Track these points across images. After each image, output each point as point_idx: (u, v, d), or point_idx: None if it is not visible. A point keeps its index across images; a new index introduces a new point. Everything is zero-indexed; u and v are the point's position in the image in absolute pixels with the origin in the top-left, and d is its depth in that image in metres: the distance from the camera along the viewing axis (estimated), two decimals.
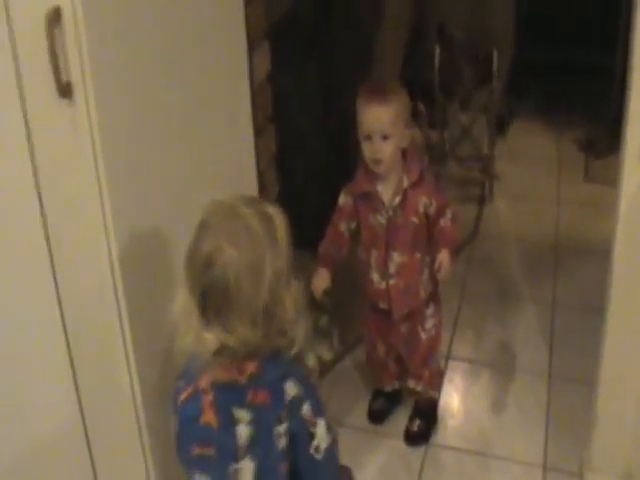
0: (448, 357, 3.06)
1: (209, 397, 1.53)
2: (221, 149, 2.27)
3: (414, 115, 2.47)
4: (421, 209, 2.44)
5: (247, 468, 1.55)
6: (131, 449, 1.97)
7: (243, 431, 1.53)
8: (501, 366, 3.05)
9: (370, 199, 2.45)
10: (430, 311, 2.61)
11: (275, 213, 1.54)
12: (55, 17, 1.53)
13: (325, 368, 2.92)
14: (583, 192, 4.09)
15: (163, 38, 1.89)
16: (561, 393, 2.88)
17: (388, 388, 2.85)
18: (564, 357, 3.04)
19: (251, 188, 2.50)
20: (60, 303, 1.79)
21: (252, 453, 1.54)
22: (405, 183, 2.41)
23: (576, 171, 4.27)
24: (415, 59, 4.09)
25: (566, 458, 2.61)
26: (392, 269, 2.49)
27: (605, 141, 4.18)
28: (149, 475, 2.00)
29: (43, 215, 1.69)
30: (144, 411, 1.92)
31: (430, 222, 2.45)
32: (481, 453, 2.70)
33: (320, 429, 1.59)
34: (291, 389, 1.55)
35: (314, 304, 2.48)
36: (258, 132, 2.49)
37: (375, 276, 2.54)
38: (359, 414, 2.84)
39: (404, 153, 2.42)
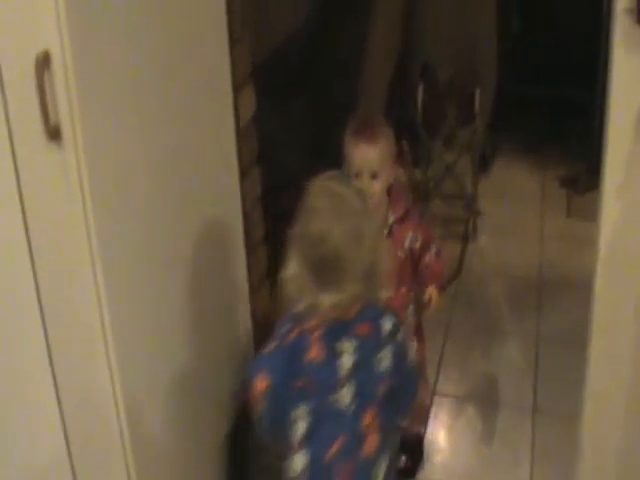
0: (434, 392, 3.07)
1: (318, 333, 1.80)
2: (206, 191, 2.30)
3: (398, 154, 2.51)
4: (407, 244, 2.46)
5: (345, 395, 1.81)
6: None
7: (346, 361, 1.80)
8: (486, 401, 3.06)
9: None
10: (413, 346, 2.62)
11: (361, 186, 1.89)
12: (44, 60, 1.55)
13: None
14: (566, 228, 4.13)
15: (150, 81, 1.92)
16: (546, 427, 2.90)
17: None
18: (548, 391, 3.05)
19: (236, 229, 2.53)
20: (49, 347, 1.79)
21: (353, 380, 1.81)
22: (391, 219, 2.44)
23: (559, 207, 4.31)
24: (399, 98, 4.14)
25: None
26: None
27: (587, 178, 4.23)
28: None
29: (31, 257, 1.70)
30: (131, 444, 1.93)
31: (415, 257, 2.48)
32: None
33: (411, 349, 2.01)
34: (387, 323, 1.87)
35: None
36: (243, 174, 2.52)
37: None
38: None
39: (389, 189, 2.45)
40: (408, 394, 2.02)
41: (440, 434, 2.95)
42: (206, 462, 2.47)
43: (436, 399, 3.06)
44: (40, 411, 1.84)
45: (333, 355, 1.80)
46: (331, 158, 2.59)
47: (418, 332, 2.63)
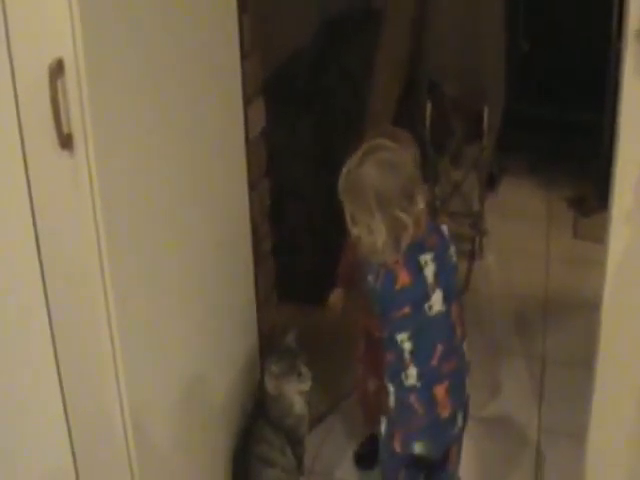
0: None
1: (399, 262, 2.07)
2: (216, 203, 2.30)
3: None
4: None
5: (437, 297, 2.13)
6: None
7: (429, 270, 2.11)
8: (491, 420, 3.05)
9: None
10: None
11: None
12: (58, 68, 1.56)
13: (315, 420, 2.92)
14: (572, 249, 4.12)
15: (162, 92, 1.92)
16: (551, 447, 2.88)
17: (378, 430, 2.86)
18: (554, 411, 3.04)
19: (245, 242, 2.52)
20: (57, 360, 1.79)
21: (439, 282, 2.12)
22: None
23: (565, 228, 4.30)
24: (407, 114, 4.14)
25: None
26: None
27: (593, 199, 4.23)
28: None
29: (41, 265, 1.70)
30: (137, 456, 1.93)
31: None
32: None
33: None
34: (444, 228, 2.23)
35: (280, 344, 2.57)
36: (252, 186, 2.52)
37: None
38: (349, 466, 2.84)
39: None
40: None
41: None
42: (211, 475, 2.46)
43: None
44: (47, 418, 1.85)
45: (418, 271, 2.10)
46: (338, 172, 2.60)
47: None
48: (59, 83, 1.57)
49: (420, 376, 2.17)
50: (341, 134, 2.72)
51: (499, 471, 2.82)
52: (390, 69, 4.01)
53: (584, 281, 3.62)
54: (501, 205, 4.44)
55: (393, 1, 3.88)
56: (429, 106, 3.96)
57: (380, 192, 2.03)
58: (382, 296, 2.14)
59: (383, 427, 2.32)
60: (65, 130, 1.59)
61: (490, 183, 4.39)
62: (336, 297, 2.73)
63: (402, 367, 2.17)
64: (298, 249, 3.28)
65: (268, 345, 2.68)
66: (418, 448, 2.27)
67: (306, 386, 2.51)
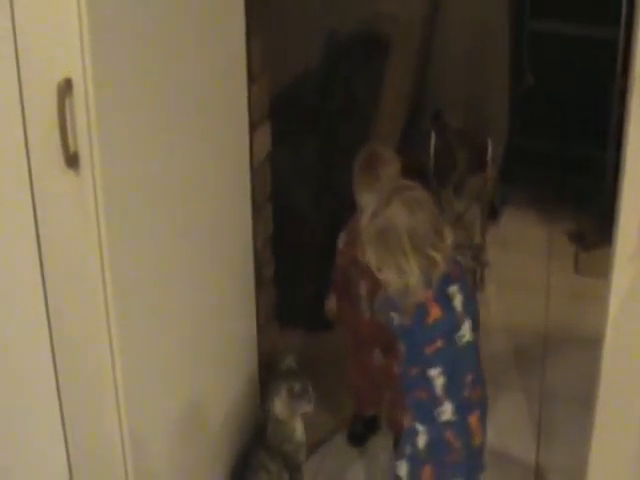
0: None
1: (429, 296, 2.06)
2: (220, 227, 2.29)
3: None
4: None
5: (467, 327, 2.14)
6: None
7: (458, 301, 2.12)
8: (489, 456, 3.01)
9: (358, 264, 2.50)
10: None
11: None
12: (66, 88, 1.56)
13: (313, 446, 2.90)
14: (573, 283, 4.10)
15: (169, 114, 1.92)
16: None
17: (367, 413, 2.99)
18: (552, 448, 3.01)
19: (247, 267, 2.52)
20: (57, 377, 1.78)
21: (466, 312, 2.14)
22: None
23: (566, 262, 4.29)
24: (410, 145, 4.14)
25: None
26: None
27: (594, 235, 4.22)
28: None
29: (44, 284, 1.70)
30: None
31: None
32: None
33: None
34: (461, 259, 2.23)
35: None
36: (256, 211, 2.51)
37: (364, 306, 2.68)
38: None
39: None
40: None
41: None
42: None
43: None
44: (45, 435, 1.84)
45: (448, 302, 2.11)
46: (342, 197, 2.61)
47: None
48: (67, 102, 1.57)
49: (455, 410, 2.16)
50: (345, 161, 2.72)
51: None
52: (396, 98, 4.02)
53: (584, 316, 3.60)
54: (502, 236, 4.43)
55: (400, 31, 3.89)
56: (433, 136, 3.97)
57: (413, 232, 2.02)
58: (413, 332, 2.13)
59: (404, 470, 2.28)
60: (71, 149, 1.59)
61: (492, 214, 4.39)
62: (332, 303, 2.84)
63: (435, 404, 2.15)
64: (299, 274, 3.27)
65: (268, 371, 2.67)
66: None
67: (311, 407, 2.50)
